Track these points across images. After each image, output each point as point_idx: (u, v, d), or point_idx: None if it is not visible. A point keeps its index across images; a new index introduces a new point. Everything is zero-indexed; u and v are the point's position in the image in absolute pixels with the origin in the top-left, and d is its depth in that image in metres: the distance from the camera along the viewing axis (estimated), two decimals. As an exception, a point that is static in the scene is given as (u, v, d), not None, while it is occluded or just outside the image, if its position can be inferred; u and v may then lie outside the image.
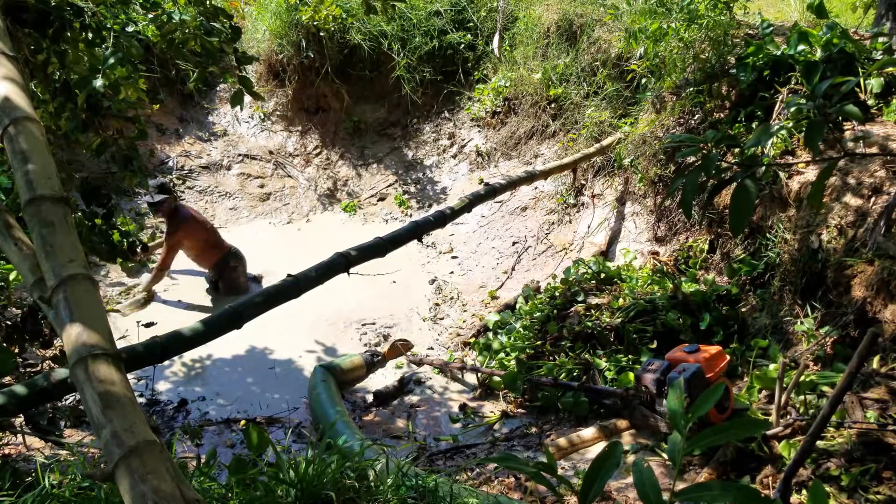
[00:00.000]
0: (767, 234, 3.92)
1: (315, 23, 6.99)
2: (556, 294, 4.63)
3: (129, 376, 1.71)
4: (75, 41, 3.00)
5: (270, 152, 7.45)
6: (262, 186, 7.19)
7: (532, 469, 1.33)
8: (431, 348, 5.04)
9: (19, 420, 3.00)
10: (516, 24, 6.96)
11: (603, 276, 4.63)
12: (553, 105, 6.43)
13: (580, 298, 4.44)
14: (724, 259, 4.37)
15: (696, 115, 4.84)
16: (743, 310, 3.99)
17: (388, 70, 7.28)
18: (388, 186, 7.23)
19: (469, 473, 3.22)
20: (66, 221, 1.70)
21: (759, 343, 3.61)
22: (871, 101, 3.88)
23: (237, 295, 5.46)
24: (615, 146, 5.51)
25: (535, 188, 6.22)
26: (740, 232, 3.83)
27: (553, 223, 5.93)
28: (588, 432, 3.45)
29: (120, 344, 1.82)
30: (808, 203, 3.64)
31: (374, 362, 4.73)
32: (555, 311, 4.44)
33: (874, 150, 3.57)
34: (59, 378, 2.13)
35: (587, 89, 6.13)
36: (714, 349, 3.26)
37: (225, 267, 5.60)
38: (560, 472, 1.30)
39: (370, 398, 4.42)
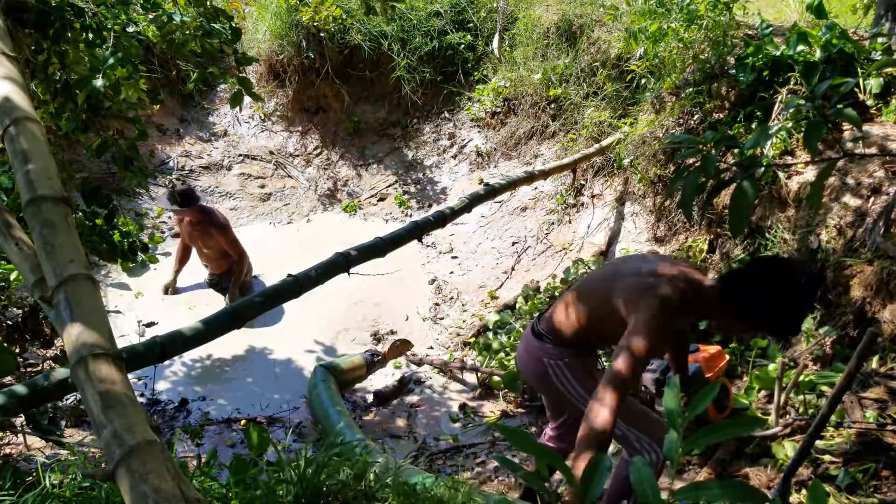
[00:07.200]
0: (767, 234, 3.93)
1: (315, 23, 6.99)
2: (556, 294, 4.63)
3: (130, 376, 1.72)
4: (76, 41, 3.00)
5: (271, 152, 7.46)
6: (262, 187, 7.19)
7: (529, 472, 1.33)
8: (431, 348, 5.04)
9: (20, 420, 3.01)
10: (516, 24, 6.96)
11: (603, 276, 4.62)
12: (553, 105, 6.43)
13: (580, 298, 4.44)
14: (724, 259, 4.37)
15: (696, 116, 4.84)
16: (742, 310, 3.99)
17: (388, 70, 7.28)
18: (388, 186, 7.23)
19: (469, 473, 3.22)
20: (67, 221, 1.71)
21: (758, 343, 3.62)
22: (870, 102, 3.88)
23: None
24: (615, 146, 5.51)
25: (535, 188, 6.22)
26: (740, 232, 3.84)
27: (553, 223, 5.93)
28: (588, 432, 3.45)
29: (120, 344, 1.82)
30: (808, 203, 3.64)
31: (374, 362, 4.73)
32: (554, 311, 4.44)
33: (873, 150, 3.57)
34: (59, 378, 2.13)
35: (587, 90, 6.13)
36: (714, 349, 3.26)
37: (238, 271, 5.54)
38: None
39: (370, 398, 4.43)
